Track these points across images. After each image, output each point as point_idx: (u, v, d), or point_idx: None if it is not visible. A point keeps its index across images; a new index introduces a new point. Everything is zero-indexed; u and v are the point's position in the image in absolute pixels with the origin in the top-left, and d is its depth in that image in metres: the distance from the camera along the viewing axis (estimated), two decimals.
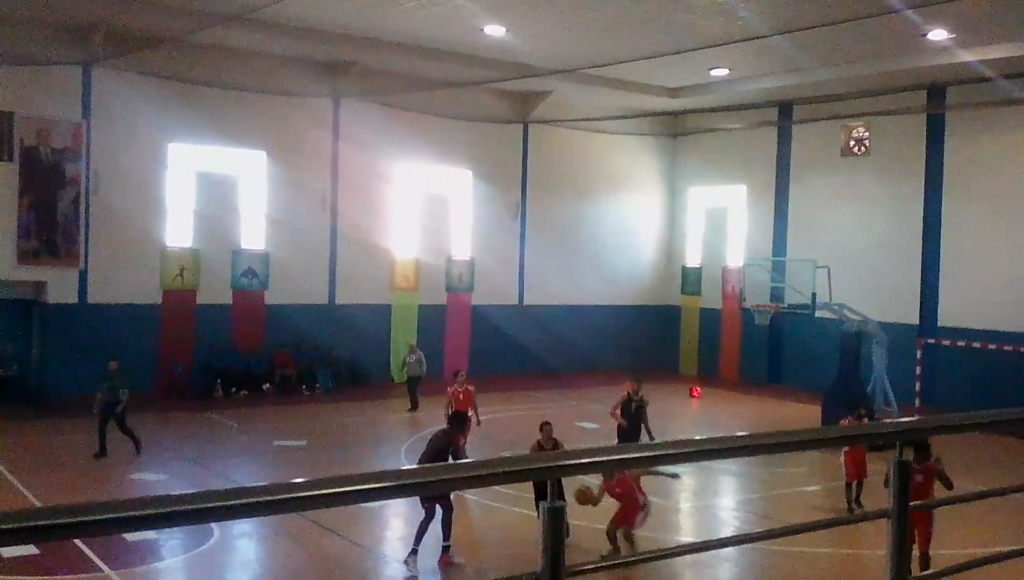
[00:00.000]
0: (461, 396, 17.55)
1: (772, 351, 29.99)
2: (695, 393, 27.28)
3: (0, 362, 22.36)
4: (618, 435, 16.10)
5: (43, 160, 22.95)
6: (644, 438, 15.77)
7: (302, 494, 2.52)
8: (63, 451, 18.06)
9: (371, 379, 26.61)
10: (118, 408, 17.39)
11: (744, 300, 27.27)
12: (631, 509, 12.12)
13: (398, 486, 2.87)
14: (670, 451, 3.35)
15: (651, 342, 32.52)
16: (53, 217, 23.10)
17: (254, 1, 19.85)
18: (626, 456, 3.40)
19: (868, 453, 14.78)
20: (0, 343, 22.91)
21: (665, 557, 8.80)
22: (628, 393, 16.11)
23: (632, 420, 15.99)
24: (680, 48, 22.11)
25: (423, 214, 28.49)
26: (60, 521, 2.22)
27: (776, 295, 26.34)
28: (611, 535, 12.16)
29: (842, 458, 14.84)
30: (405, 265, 28.28)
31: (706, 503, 16.19)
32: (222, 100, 24.85)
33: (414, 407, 23.45)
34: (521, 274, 30.56)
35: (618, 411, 16.13)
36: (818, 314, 23.70)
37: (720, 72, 26.14)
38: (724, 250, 31.85)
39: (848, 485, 14.74)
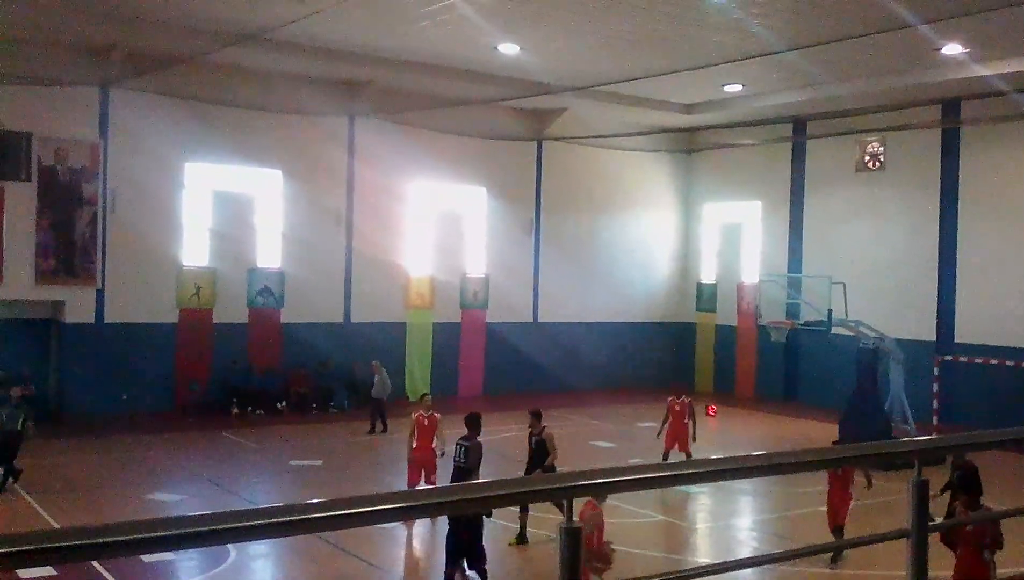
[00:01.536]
0: (426, 422, 15.44)
1: (788, 368, 29.84)
2: (711, 411, 27.11)
3: (19, 381, 22.40)
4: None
5: (61, 180, 23.13)
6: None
7: (318, 515, 2.51)
8: (80, 471, 18.10)
9: (387, 398, 26.57)
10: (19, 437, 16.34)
11: (760, 317, 27.16)
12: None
13: (414, 507, 2.86)
14: (688, 471, 3.33)
15: (666, 359, 32.43)
16: (71, 237, 23.26)
17: (270, 21, 20.01)
18: (641, 477, 3.39)
19: (885, 472, 14.28)
20: (18, 362, 23.00)
21: (682, 578, 8.73)
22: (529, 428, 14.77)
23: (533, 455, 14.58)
24: (694, 64, 22.14)
25: (438, 232, 28.55)
26: (78, 543, 2.22)
27: (792, 312, 26.24)
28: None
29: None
30: (420, 283, 28.32)
31: (723, 523, 16.08)
32: (238, 119, 25.00)
33: (384, 429, 22.55)
34: (536, 291, 30.55)
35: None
36: (834, 331, 23.56)
37: (734, 88, 26.14)
38: (739, 266, 31.76)
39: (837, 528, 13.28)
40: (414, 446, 15.40)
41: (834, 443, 14.19)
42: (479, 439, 13.56)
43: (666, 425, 18.73)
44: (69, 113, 23.10)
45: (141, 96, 23.65)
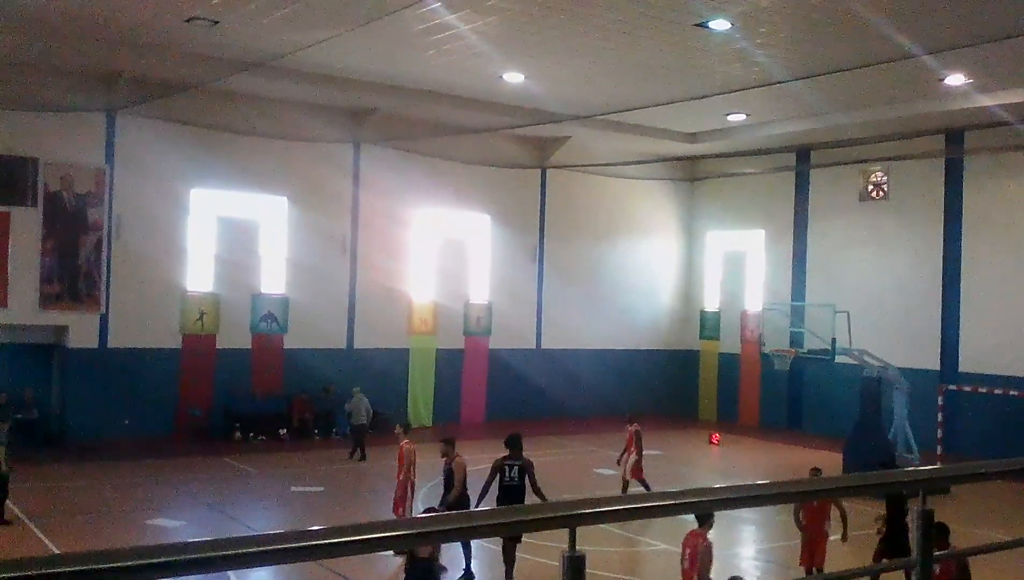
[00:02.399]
0: (401, 452, 15.22)
1: (792, 397, 29.77)
2: (714, 439, 27.04)
3: (22, 406, 22.42)
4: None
5: (66, 205, 23.22)
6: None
7: (319, 542, 2.50)
8: (82, 496, 18.05)
9: (389, 423, 26.48)
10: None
11: (763, 345, 27.12)
12: None
13: (416, 534, 2.85)
14: (692, 500, 3.32)
15: (670, 387, 32.37)
16: (75, 262, 23.32)
17: (276, 49, 20.14)
18: (645, 505, 3.37)
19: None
20: (21, 387, 23.01)
21: None
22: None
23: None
24: (697, 94, 22.24)
25: (441, 258, 28.60)
26: (78, 568, 2.21)
27: (795, 340, 26.18)
28: None
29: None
30: (423, 309, 28.33)
31: (726, 552, 15.96)
32: (244, 146, 25.12)
33: (362, 457, 22.29)
34: (539, 318, 30.56)
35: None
36: (838, 360, 23.53)
37: (738, 117, 26.25)
38: (743, 294, 31.77)
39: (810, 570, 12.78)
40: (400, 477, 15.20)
41: (812, 471, 13.49)
42: (527, 457, 13.59)
43: (624, 454, 18.46)
44: (75, 139, 23.23)
45: (147, 122, 23.79)
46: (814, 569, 12.66)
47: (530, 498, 13.10)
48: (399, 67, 22.20)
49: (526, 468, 13.34)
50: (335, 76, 23.23)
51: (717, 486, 3.47)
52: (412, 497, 15.28)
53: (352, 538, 2.52)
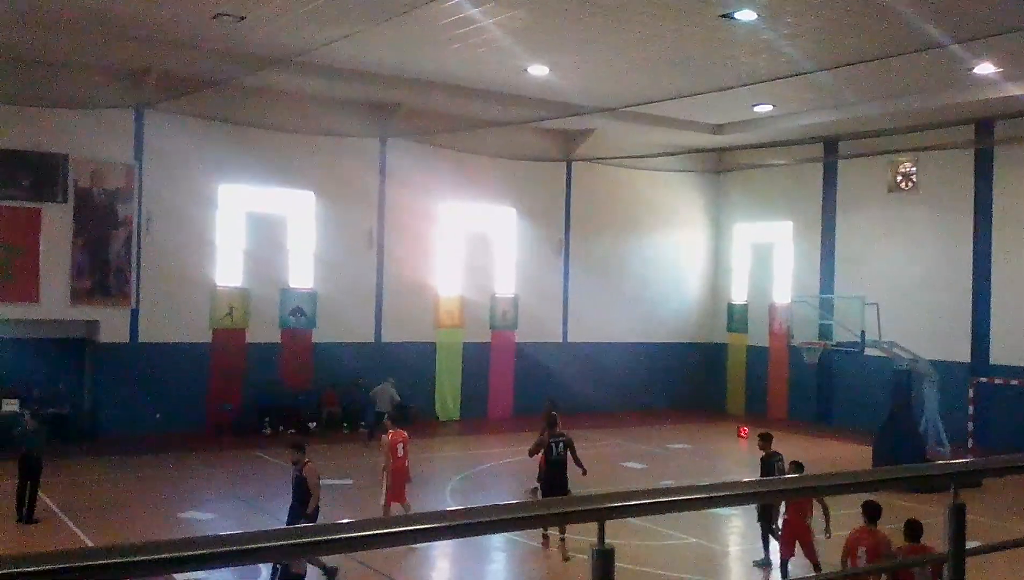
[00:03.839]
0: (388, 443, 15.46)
1: (821, 390, 29.58)
2: (743, 433, 26.91)
3: (54, 400, 22.67)
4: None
5: (96, 201, 23.44)
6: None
7: (349, 535, 2.52)
8: (114, 489, 18.25)
9: (417, 417, 26.58)
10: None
11: (792, 337, 26.95)
12: None
13: (444, 527, 2.86)
14: (722, 493, 3.31)
15: (697, 380, 32.27)
16: (106, 257, 23.54)
17: (303, 44, 20.22)
18: (675, 499, 3.37)
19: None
20: (53, 381, 23.26)
21: None
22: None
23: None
24: (724, 85, 22.11)
25: (467, 252, 28.64)
26: (111, 561, 2.24)
27: (824, 332, 25.98)
28: None
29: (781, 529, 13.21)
30: (450, 303, 28.39)
31: (755, 546, 15.91)
32: (271, 141, 25.25)
33: (369, 438, 22.79)
34: (565, 311, 30.54)
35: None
36: (868, 352, 23.35)
37: (764, 108, 26.08)
38: (771, 287, 31.58)
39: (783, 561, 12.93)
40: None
41: (792, 465, 13.52)
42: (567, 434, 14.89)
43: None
44: (105, 136, 23.43)
45: (175, 119, 23.96)
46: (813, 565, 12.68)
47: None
48: (424, 61, 22.23)
49: (569, 443, 14.76)
50: (361, 71, 23.29)
51: (746, 480, 3.46)
52: (385, 487, 15.15)
53: (380, 531, 2.54)
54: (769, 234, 31.80)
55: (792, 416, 29.98)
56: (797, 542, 12.74)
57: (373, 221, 27.14)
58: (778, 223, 31.43)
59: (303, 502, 12.60)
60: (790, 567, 12.97)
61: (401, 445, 15.27)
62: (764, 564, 13.88)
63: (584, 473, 14.97)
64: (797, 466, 13.26)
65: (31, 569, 2.12)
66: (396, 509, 14.99)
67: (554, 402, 19.14)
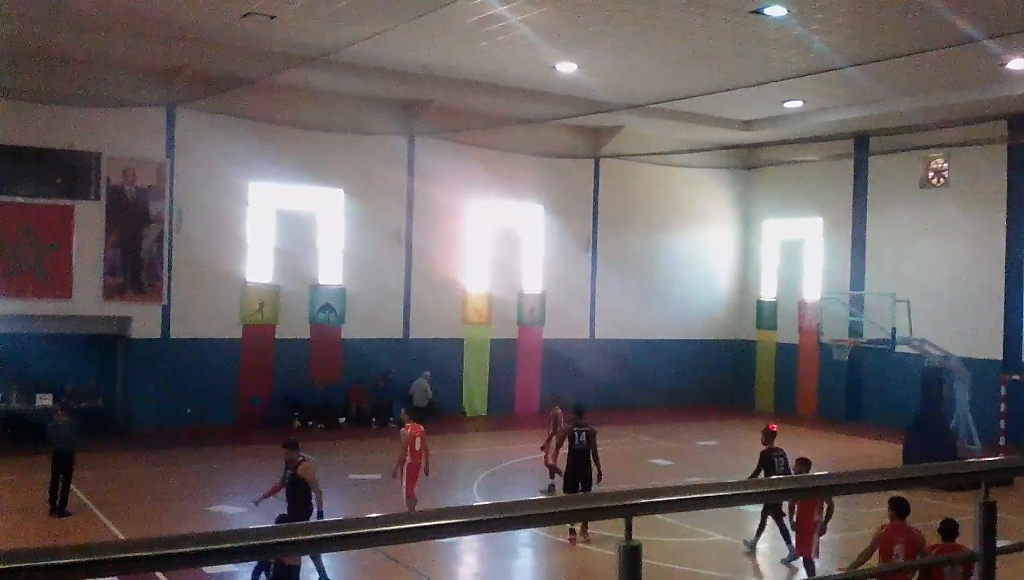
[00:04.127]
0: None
1: (851, 387, 29.36)
2: (772, 429, 26.74)
3: (86, 395, 22.93)
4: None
5: (129, 199, 23.68)
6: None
7: (377, 529, 2.54)
8: (145, 483, 18.44)
9: (445, 413, 26.68)
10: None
11: (822, 334, 26.76)
12: None
13: (471, 523, 2.88)
14: (749, 491, 3.31)
15: (725, 377, 32.14)
16: (138, 254, 23.78)
17: (331, 43, 20.32)
18: (703, 495, 3.37)
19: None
20: (86, 377, 23.53)
21: None
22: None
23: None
24: (753, 81, 21.99)
25: (495, 249, 28.67)
26: (142, 554, 2.28)
27: (855, 330, 25.79)
28: None
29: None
30: (477, 299, 28.44)
31: (782, 543, 15.84)
32: (301, 139, 25.40)
33: None
34: (593, 308, 30.50)
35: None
36: (898, 349, 23.15)
37: (794, 104, 25.90)
38: (800, 283, 31.38)
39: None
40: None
41: (799, 462, 13.57)
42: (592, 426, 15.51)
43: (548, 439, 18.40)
44: (136, 134, 23.66)
45: (206, 117, 24.15)
46: (810, 560, 12.76)
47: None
48: (452, 59, 22.27)
49: (592, 435, 15.31)
50: (389, 69, 23.36)
51: (775, 477, 3.45)
52: (403, 474, 15.25)
53: (408, 526, 2.57)
54: (799, 231, 31.59)
55: (821, 413, 29.79)
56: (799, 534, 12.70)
57: (402, 218, 27.24)
58: (808, 219, 31.22)
59: (302, 502, 12.25)
60: (817, 564, 12.91)
61: (419, 439, 15.33)
62: (791, 560, 13.84)
63: (599, 477, 15.06)
64: (804, 463, 13.19)
65: (63, 561, 2.16)
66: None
67: (559, 399, 19.36)
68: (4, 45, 21.49)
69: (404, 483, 15.24)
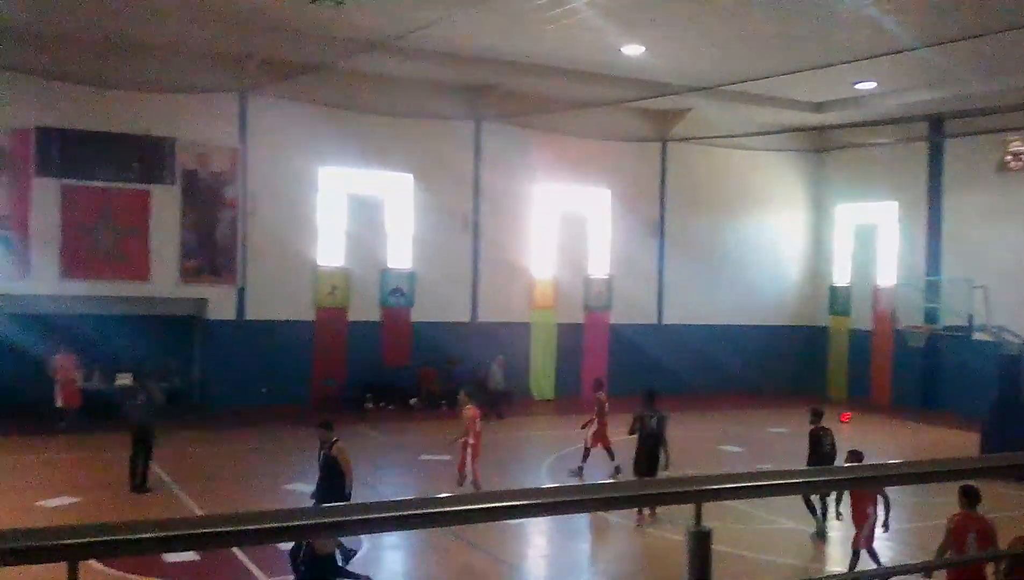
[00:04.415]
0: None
1: (927, 375, 28.74)
2: (845, 418, 26.34)
3: (165, 376, 23.47)
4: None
5: (203, 183, 24.15)
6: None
7: (447, 509, 2.58)
8: (223, 462, 18.86)
9: (512, 396, 26.78)
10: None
11: (896, 321, 26.25)
12: None
13: (540, 505, 2.91)
14: (821, 478, 3.28)
15: (797, 364, 31.71)
16: (213, 237, 24.27)
17: (399, 28, 20.44)
18: (773, 483, 3.35)
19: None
20: (165, 358, 24.07)
21: None
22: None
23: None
24: (824, 62, 21.59)
25: (562, 233, 28.64)
26: (219, 530, 2.35)
27: (930, 316, 25.25)
28: None
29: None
30: (544, 284, 28.47)
31: (852, 532, 15.63)
32: (370, 124, 25.62)
33: (499, 416, 24.17)
34: (660, 293, 30.31)
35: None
36: (975, 337, 22.61)
37: (867, 85, 25.35)
38: (874, 269, 30.77)
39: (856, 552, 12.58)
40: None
41: (850, 454, 13.23)
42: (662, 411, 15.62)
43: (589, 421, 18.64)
44: (210, 119, 24.10)
45: (278, 102, 24.50)
46: (861, 551, 12.48)
47: None
48: (519, 43, 22.25)
49: (664, 420, 15.51)
50: (456, 54, 23.43)
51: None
52: (471, 458, 15.81)
53: (474, 506, 2.60)
54: (873, 215, 30.97)
55: (896, 402, 29.23)
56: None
57: (469, 203, 27.36)
58: (882, 203, 30.57)
59: (333, 482, 12.13)
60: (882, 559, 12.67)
61: (477, 421, 16.00)
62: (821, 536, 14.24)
63: (667, 464, 15.27)
64: (856, 455, 12.94)
65: (145, 536, 2.24)
66: (468, 486, 15.40)
67: (602, 384, 19.60)
68: (83, 33, 22.05)
69: (466, 462, 15.69)
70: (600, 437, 18.29)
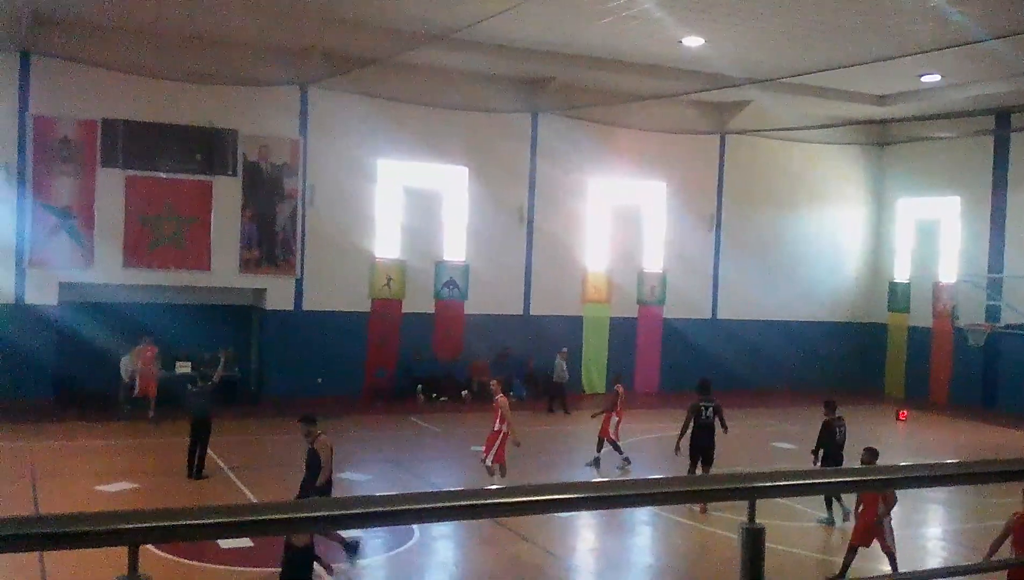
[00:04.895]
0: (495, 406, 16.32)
1: (987, 374, 28.16)
2: (902, 417, 25.95)
3: (224, 364, 23.75)
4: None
5: (264, 175, 24.48)
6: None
7: (498, 500, 2.60)
8: (279, 450, 19.11)
9: (564, 389, 26.73)
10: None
11: (957, 318, 25.77)
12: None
13: (588, 498, 2.92)
14: (874, 477, 3.25)
15: (854, 360, 31.26)
16: (272, 228, 24.59)
17: (456, 21, 20.49)
18: (827, 480, 3.32)
19: None
20: (223, 346, 24.40)
21: None
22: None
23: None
24: (887, 54, 21.21)
25: (615, 227, 28.52)
26: (274, 517, 2.40)
27: (992, 314, 24.78)
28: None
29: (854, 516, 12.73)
30: (597, 277, 28.40)
31: (913, 532, 15.38)
32: (427, 117, 25.75)
33: (564, 411, 24.73)
34: (715, 288, 30.06)
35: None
36: None
37: (931, 78, 24.85)
38: (936, 265, 30.20)
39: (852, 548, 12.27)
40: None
41: (865, 452, 12.94)
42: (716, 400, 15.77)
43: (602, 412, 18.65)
44: (272, 112, 24.41)
45: (337, 95, 24.73)
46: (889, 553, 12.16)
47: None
48: (576, 36, 22.17)
49: (718, 409, 15.69)
50: (513, 46, 23.43)
51: (903, 464, 3.38)
52: (501, 446, 15.78)
53: (525, 498, 2.61)
54: (935, 210, 30.39)
55: (954, 400, 28.69)
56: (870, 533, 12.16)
57: (524, 196, 27.37)
58: (945, 198, 29.99)
59: (316, 475, 12.18)
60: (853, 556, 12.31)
61: (507, 408, 16.11)
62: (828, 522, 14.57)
63: (725, 431, 15.95)
64: (872, 453, 12.69)
65: (203, 522, 2.28)
66: (495, 478, 15.44)
67: (622, 378, 19.88)
68: (148, 26, 22.44)
69: (495, 450, 15.76)
70: (610, 429, 18.36)
